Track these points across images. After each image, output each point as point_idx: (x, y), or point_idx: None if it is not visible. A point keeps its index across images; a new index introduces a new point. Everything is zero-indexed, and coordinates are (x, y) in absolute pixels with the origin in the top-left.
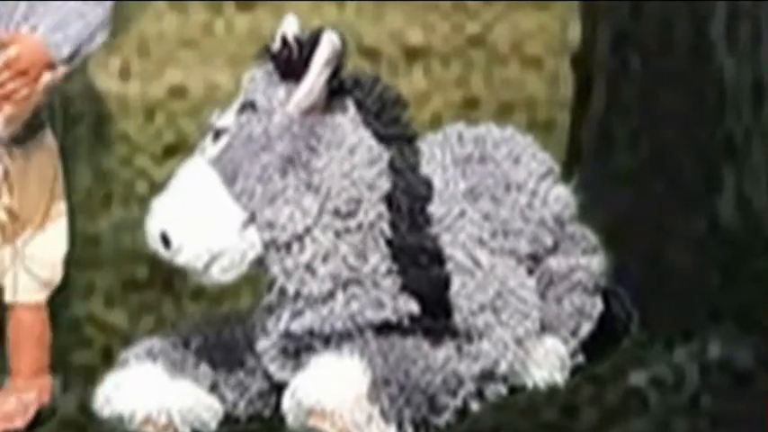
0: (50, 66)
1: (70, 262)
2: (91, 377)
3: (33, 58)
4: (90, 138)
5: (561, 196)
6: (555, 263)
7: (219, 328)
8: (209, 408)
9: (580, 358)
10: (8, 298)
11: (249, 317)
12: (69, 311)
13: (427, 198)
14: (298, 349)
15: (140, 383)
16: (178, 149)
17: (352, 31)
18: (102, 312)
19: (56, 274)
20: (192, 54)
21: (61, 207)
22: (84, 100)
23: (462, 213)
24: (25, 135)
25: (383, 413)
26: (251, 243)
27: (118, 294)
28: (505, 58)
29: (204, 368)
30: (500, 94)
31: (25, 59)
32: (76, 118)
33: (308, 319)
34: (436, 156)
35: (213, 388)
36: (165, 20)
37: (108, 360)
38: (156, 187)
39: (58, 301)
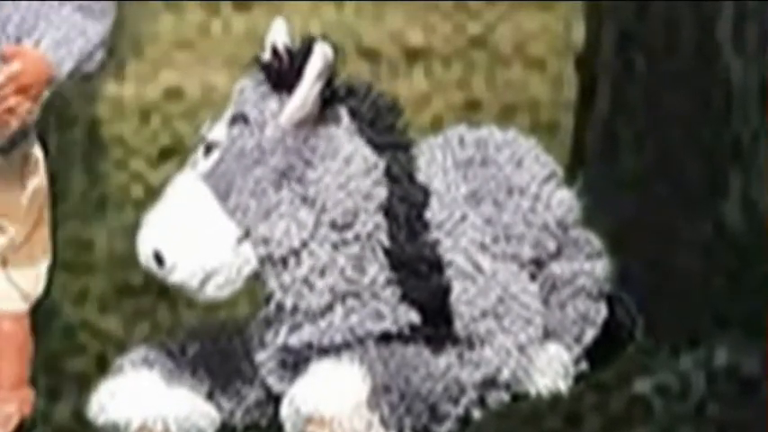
0: (51, 82)
1: (64, 267)
2: (85, 384)
3: (36, 74)
4: (84, 141)
5: (564, 200)
6: (558, 268)
7: (216, 335)
8: (205, 415)
9: (584, 365)
10: None
11: (246, 327)
12: (63, 318)
13: (424, 205)
14: (297, 362)
15: (136, 391)
16: (174, 152)
17: (352, 32)
18: (97, 318)
19: (38, 286)
20: (188, 55)
21: (46, 216)
22: (78, 102)
23: (464, 218)
24: (10, 145)
25: (383, 421)
26: (246, 259)
27: (112, 300)
28: (508, 59)
29: (201, 376)
30: (502, 95)
31: (29, 75)
32: (71, 120)
33: (307, 333)
34: (437, 159)
35: (210, 396)
36: (161, 20)
37: (102, 367)
38: (152, 191)
39: (51, 307)
